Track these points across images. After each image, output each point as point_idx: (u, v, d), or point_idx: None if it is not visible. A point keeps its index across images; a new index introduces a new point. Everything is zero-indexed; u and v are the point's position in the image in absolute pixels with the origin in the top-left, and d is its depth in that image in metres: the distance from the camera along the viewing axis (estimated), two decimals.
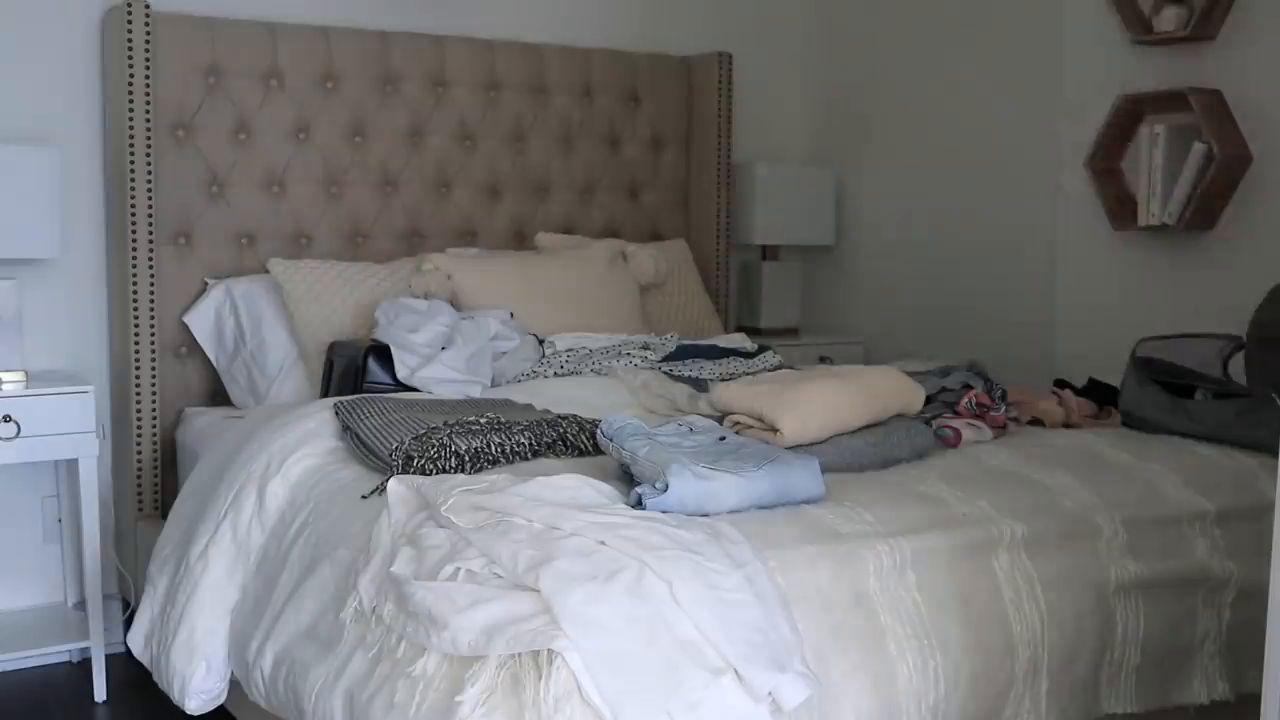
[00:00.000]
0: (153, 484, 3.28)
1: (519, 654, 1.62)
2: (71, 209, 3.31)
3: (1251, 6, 3.14)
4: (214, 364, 3.39)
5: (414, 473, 2.18)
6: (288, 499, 2.39)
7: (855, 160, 4.36)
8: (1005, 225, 3.82)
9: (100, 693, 3.09)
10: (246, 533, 2.41)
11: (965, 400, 2.61)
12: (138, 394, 3.24)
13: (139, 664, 2.65)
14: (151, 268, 3.24)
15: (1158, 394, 2.68)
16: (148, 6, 3.21)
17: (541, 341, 3.22)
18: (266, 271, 3.40)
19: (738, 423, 2.37)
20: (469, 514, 1.89)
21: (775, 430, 2.28)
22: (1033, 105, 3.71)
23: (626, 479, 2.14)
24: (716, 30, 4.29)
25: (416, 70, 3.68)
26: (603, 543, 1.77)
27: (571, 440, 2.40)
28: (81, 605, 3.28)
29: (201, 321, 3.37)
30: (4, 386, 3.00)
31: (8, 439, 2.96)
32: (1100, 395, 2.92)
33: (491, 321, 3.15)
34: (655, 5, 4.21)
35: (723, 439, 2.20)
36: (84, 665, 3.21)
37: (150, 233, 3.23)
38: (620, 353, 3.15)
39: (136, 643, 2.60)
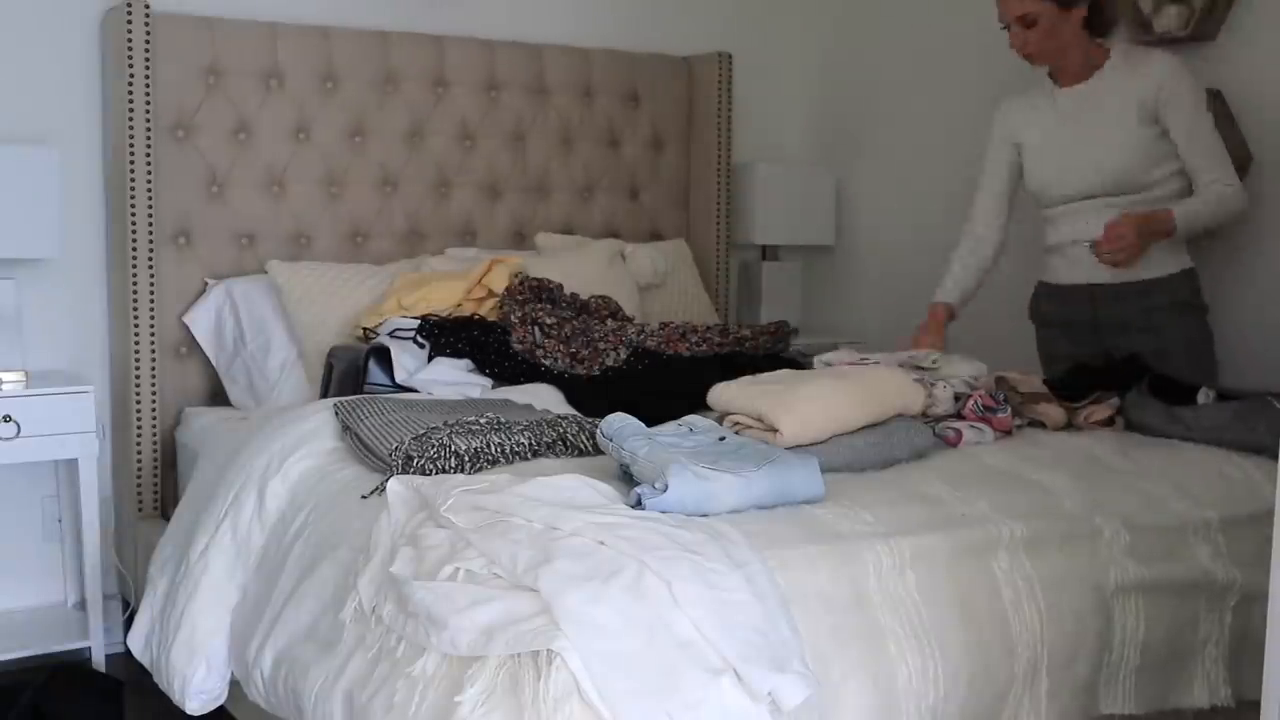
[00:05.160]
0: (153, 484, 3.28)
1: (518, 654, 1.62)
2: (71, 209, 3.32)
3: (1251, 6, 3.14)
4: (214, 364, 3.39)
5: (414, 473, 2.18)
6: (288, 499, 2.39)
7: (855, 160, 4.36)
8: None
9: None
10: (246, 533, 2.41)
11: (971, 403, 2.61)
12: (138, 394, 3.24)
13: (139, 664, 2.65)
14: (151, 268, 3.24)
15: (1153, 401, 2.69)
16: (148, 6, 3.21)
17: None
18: (266, 272, 3.40)
19: (737, 423, 2.37)
20: (469, 514, 1.89)
21: (775, 430, 2.28)
22: None
23: (626, 479, 2.14)
24: (716, 30, 4.29)
25: (416, 70, 3.69)
26: (602, 543, 1.77)
27: (571, 440, 2.40)
28: (81, 605, 3.29)
29: (201, 322, 3.37)
30: (4, 386, 3.00)
31: (8, 439, 2.96)
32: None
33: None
34: (655, 5, 4.21)
35: (722, 439, 2.20)
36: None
37: (150, 233, 3.23)
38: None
39: (136, 643, 2.60)
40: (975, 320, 3.56)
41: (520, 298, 3.26)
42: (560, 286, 3.37)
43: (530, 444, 2.34)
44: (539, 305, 3.24)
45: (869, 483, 2.20)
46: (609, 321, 3.31)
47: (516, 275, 3.35)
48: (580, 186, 4.00)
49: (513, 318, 3.16)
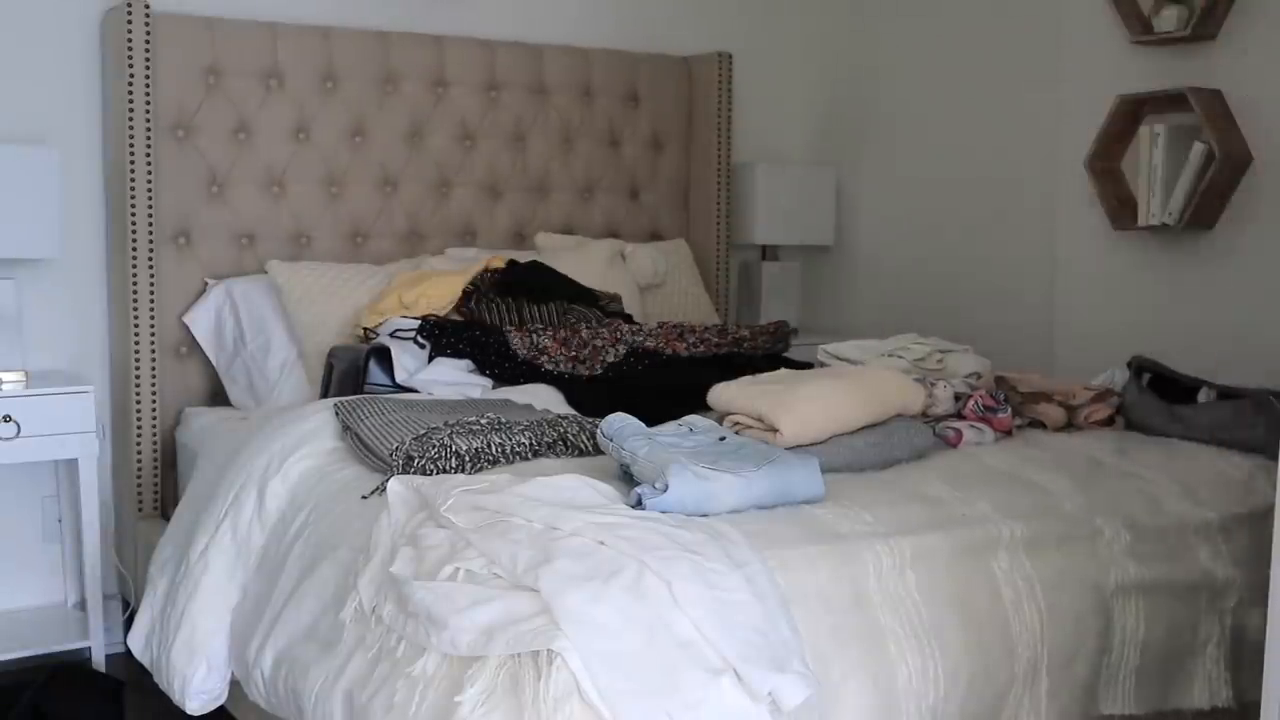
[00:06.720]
0: (153, 484, 3.28)
1: (519, 654, 1.62)
2: (71, 209, 3.31)
3: (1251, 6, 3.14)
4: (214, 364, 3.39)
5: (414, 473, 2.18)
6: (288, 499, 2.39)
7: (855, 160, 4.36)
8: (1005, 225, 3.82)
9: None
10: (247, 533, 2.41)
11: (971, 403, 2.61)
12: (138, 394, 3.24)
13: (139, 664, 2.65)
14: (151, 268, 3.24)
15: (1153, 400, 2.69)
16: (148, 6, 3.21)
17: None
18: (266, 272, 3.40)
19: (737, 423, 2.37)
20: (469, 514, 1.89)
21: (775, 430, 2.28)
22: (1032, 105, 3.71)
23: (626, 479, 2.14)
24: (716, 30, 4.29)
25: (416, 70, 3.68)
26: (602, 543, 1.77)
27: (571, 440, 2.40)
28: (81, 605, 3.28)
29: (201, 321, 3.37)
30: (4, 386, 3.00)
31: (8, 439, 2.96)
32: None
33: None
34: (655, 5, 4.21)
35: (722, 439, 2.20)
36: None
37: (150, 233, 3.23)
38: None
39: (137, 643, 2.60)
40: (975, 319, 3.57)
41: (489, 294, 3.28)
42: (533, 264, 3.39)
43: (531, 444, 2.34)
44: (517, 300, 3.25)
45: (869, 483, 2.20)
46: (595, 310, 3.32)
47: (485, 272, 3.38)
48: (580, 186, 4.00)
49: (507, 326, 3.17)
